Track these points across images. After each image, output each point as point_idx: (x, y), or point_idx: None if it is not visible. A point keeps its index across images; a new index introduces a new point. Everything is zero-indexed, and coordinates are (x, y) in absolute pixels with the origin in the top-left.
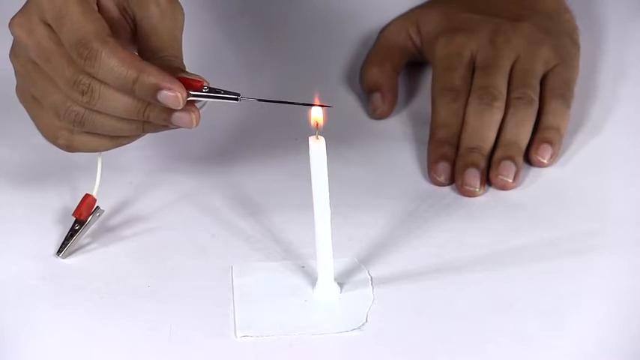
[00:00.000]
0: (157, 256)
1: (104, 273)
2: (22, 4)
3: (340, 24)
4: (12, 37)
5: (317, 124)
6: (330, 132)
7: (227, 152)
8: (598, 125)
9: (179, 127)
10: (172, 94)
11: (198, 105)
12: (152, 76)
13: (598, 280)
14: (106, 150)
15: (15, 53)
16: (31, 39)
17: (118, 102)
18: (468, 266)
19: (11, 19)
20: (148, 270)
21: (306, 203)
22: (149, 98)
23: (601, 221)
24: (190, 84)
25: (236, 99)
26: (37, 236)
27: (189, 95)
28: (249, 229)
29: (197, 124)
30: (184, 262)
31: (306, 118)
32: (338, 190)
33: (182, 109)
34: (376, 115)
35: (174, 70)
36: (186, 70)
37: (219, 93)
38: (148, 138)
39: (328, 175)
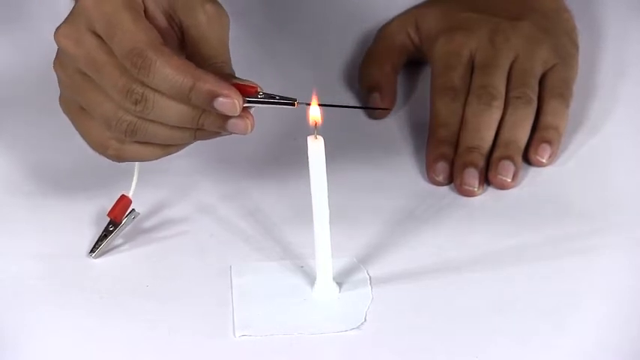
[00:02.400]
0: (156, 255)
1: (103, 273)
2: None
3: (339, 23)
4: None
5: (315, 124)
6: (328, 131)
7: (226, 152)
8: (597, 125)
9: (232, 133)
10: (229, 101)
11: None
12: (208, 83)
13: (598, 279)
14: (156, 159)
15: (61, 63)
16: (80, 50)
17: (173, 110)
18: (467, 266)
19: (57, 29)
20: (147, 270)
21: (305, 203)
22: (205, 105)
23: (600, 221)
24: (245, 90)
25: (292, 104)
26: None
27: (245, 101)
28: (248, 228)
29: (252, 130)
30: (183, 261)
31: (304, 118)
32: (337, 190)
33: (237, 116)
34: (375, 114)
35: (227, 77)
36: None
37: (275, 98)
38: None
39: (327, 175)
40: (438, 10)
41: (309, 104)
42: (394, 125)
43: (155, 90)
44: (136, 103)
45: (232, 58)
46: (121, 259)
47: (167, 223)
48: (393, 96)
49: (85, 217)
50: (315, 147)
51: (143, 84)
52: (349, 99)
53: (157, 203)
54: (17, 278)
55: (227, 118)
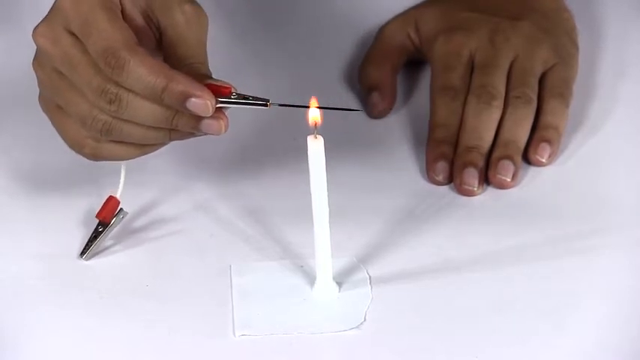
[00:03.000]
0: (156, 255)
1: (103, 273)
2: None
3: (339, 23)
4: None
5: (315, 124)
6: (328, 131)
7: (225, 151)
8: (597, 124)
9: (206, 134)
10: (201, 102)
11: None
12: (181, 84)
13: (597, 279)
14: (132, 158)
15: (39, 63)
16: (56, 48)
17: (146, 110)
18: (467, 265)
19: (34, 29)
20: (147, 270)
21: (304, 202)
22: (178, 106)
23: (600, 221)
24: (218, 90)
25: (265, 105)
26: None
27: (218, 102)
28: (248, 228)
29: (225, 131)
30: (183, 261)
31: (304, 118)
32: (336, 190)
33: (211, 117)
34: (375, 114)
35: (202, 77)
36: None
37: (248, 99)
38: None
39: (327, 175)
40: (438, 10)
41: (282, 105)
42: (394, 125)
43: (129, 90)
44: (110, 102)
45: (231, 58)
46: (120, 259)
47: (167, 223)
48: (393, 96)
49: (80, 217)
50: (315, 147)
51: (117, 84)
52: (349, 99)
53: (157, 203)
54: (17, 278)
55: (200, 118)
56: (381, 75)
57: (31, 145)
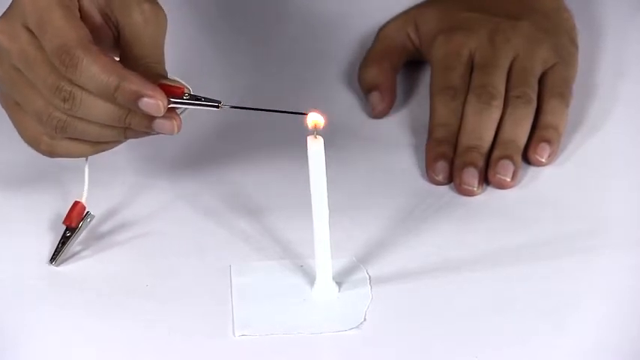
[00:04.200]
0: (156, 255)
1: (104, 273)
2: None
3: (339, 23)
4: None
5: (315, 127)
6: (328, 131)
7: (225, 151)
8: (597, 124)
9: (160, 133)
10: (153, 102)
11: (178, 111)
12: (133, 83)
13: (597, 279)
14: (88, 155)
15: None
16: (14, 44)
17: (100, 109)
18: (467, 265)
19: None
20: (147, 270)
21: (304, 202)
22: (130, 105)
23: (600, 221)
24: (171, 91)
25: (217, 106)
26: (33, 242)
27: (169, 102)
28: (248, 228)
29: (178, 131)
30: (183, 261)
31: (304, 118)
32: (336, 189)
33: (163, 116)
34: (375, 114)
35: (156, 77)
36: (168, 74)
37: (200, 100)
38: (142, 138)
39: (326, 175)
40: (438, 10)
41: (233, 107)
42: (394, 125)
43: (82, 88)
44: (64, 100)
45: (230, 58)
46: (120, 259)
47: (167, 223)
48: (393, 96)
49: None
50: (315, 146)
51: (71, 82)
52: (349, 99)
53: (157, 203)
54: (17, 278)
55: (153, 118)
56: (381, 75)
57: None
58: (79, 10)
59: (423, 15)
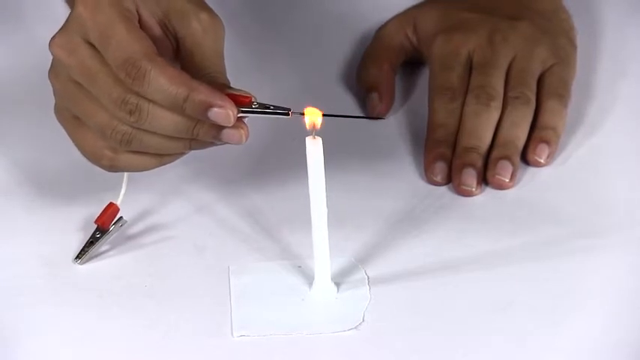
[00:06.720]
0: (155, 255)
1: (103, 273)
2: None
3: (337, 23)
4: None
5: (313, 126)
6: (327, 132)
7: (224, 152)
8: (595, 125)
9: (226, 143)
10: (223, 112)
11: None
12: (202, 93)
13: (597, 279)
14: (150, 169)
15: (55, 73)
16: (74, 59)
17: (167, 120)
18: (466, 266)
19: (51, 39)
20: (146, 269)
21: (303, 203)
22: (199, 116)
23: (600, 221)
24: (239, 100)
25: (287, 114)
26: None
27: (239, 112)
28: (247, 228)
29: (246, 140)
30: (182, 261)
31: (303, 120)
32: (335, 190)
33: (231, 126)
34: (374, 114)
35: (221, 87)
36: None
37: (269, 108)
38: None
39: (325, 175)
40: (436, 10)
41: (302, 114)
42: (392, 125)
43: (150, 100)
44: (130, 113)
45: (229, 62)
46: (120, 259)
47: (166, 222)
48: (392, 96)
49: (82, 219)
50: (314, 147)
51: (138, 94)
52: (347, 100)
53: (155, 204)
54: (17, 278)
55: (221, 128)
56: (380, 75)
57: (32, 147)
58: (139, 22)
59: (422, 15)
